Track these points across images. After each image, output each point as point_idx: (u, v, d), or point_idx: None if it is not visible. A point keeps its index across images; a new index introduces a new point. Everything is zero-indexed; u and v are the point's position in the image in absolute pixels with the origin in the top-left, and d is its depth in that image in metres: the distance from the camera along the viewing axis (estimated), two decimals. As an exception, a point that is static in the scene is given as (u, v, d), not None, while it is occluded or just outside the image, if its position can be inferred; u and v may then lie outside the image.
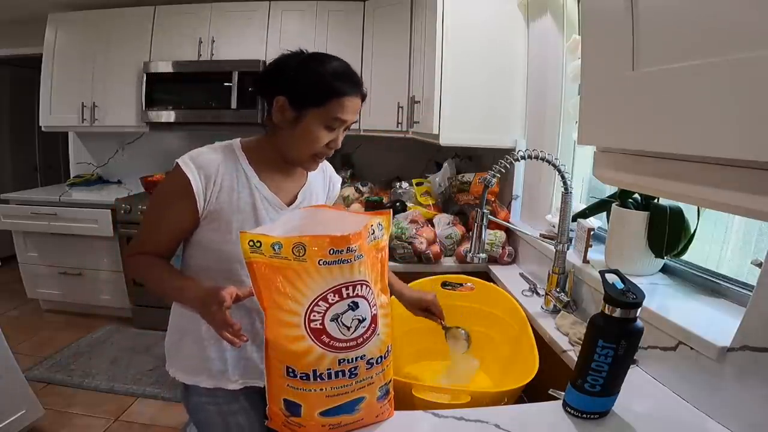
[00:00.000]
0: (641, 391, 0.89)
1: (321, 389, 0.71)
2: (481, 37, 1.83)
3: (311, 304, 0.69)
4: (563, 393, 0.84)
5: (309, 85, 0.87)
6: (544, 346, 1.12)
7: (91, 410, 2.12)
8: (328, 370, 0.70)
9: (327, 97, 0.86)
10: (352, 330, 0.71)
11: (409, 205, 2.08)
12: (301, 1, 2.95)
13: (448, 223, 1.90)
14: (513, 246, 1.78)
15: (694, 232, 1.06)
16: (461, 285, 1.31)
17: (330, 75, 0.87)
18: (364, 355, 0.72)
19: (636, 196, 1.17)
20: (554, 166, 1.22)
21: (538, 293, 1.42)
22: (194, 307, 0.83)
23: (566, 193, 1.23)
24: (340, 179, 1.18)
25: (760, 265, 0.77)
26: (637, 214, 1.12)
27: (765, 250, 0.78)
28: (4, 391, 1.75)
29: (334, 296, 0.69)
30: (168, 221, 0.92)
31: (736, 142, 0.40)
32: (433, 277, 1.31)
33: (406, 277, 1.38)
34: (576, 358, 0.84)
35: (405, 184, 2.44)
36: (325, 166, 1.12)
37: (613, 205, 1.18)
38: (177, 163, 0.90)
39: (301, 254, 0.68)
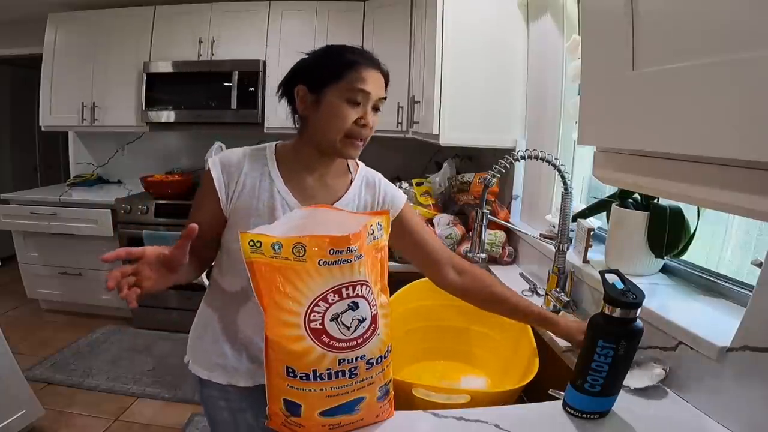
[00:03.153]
0: (641, 391, 0.89)
1: (321, 389, 0.71)
2: (481, 37, 1.83)
3: (311, 304, 0.68)
4: (563, 393, 0.84)
5: (322, 65, 0.88)
6: (544, 346, 1.12)
7: (91, 410, 2.12)
8: (328, 370, 0.70)
9: (341, 69, 0.86)
10: (352, 330, 0.71)
11: (409, 205, 2.08)
12: (301, 1, 2.95)
13: (448, 223, 1.90)
14: (513, 246, 1.77)
15: (694, 232, 1.06)
16: (461, 285, 1.31)
17: (339, 50, 0.89)
18: (364, 355, 0.72)
19: (636, 196, 1.17)
20: (554, 166, 1.22)
21: (538, 293, 1.42)
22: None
23: (566, 193, 1.23)
24: (404, 197, 1.04)
25: (760, 265, 0.77)
26: (637, 214, 1.12)
27: (765, 250, 0.78)
28: (4, 391, 1.75)
29: (334, 296, 0.69)
30: (206, 213, 0.92)
31: (737, 142, 0.40)
32: (433, 277, 1.31)
33: (407, 277, 1.38)
34: (576, 358, 0.83)
35: (405, 184, 2.44)
36: (379, 181, 1.02)
37: (613, 205, 1.18)
38: (210, 166, 0.93)
39: (301, 254, 0.68)
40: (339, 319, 0.70)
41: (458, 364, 1.29)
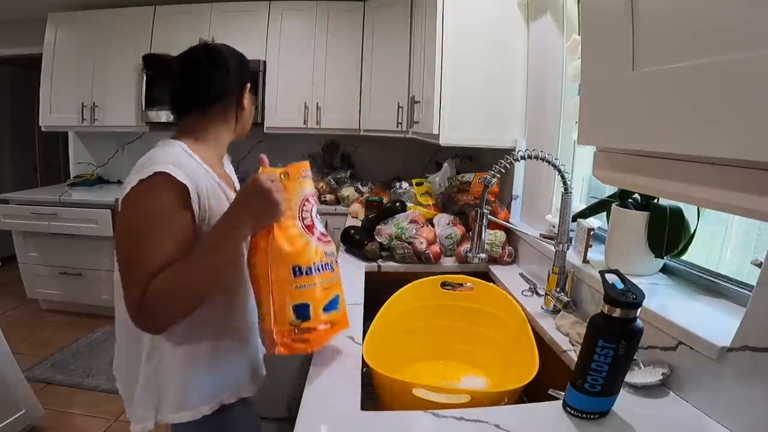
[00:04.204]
0: (641, 390, 0.89)
1: (320, 282, 0.86)
2: (481, 37, 1.83)
3: (300, 205, 0.88)
4: (563, 393, 0.84)
5: (251, 70, 1.04)
6: (544, 346, 1.12)
7: (91, 410, 2.12)
8: (320, 262, 0.87)
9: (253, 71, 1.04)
10: (323, 225, 0.92)
11: (409, 205, 2.08)
12: (302, 1, 2.95)
13: (448, 223, 1.90)
14: (513, 246, 1.77)
15: (694, 232, 1.06)
16: (461, 285, 1.31)
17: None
18: (333, 252, 0.92)
19: (636, 196, 1.17)
20: (554, 166, 1.22)
21: (538, 293, 1.42)
22: (250, 217, 0.80)
23: (566, 193, 1.23)
24: None
25: (760, 265, 0.77)
26: (637, 214, 1.12)
27: (765, 250, 0.78)
28: (4, 391, 1.75)
29: (311, 200, 0.90)
30: (176, 236, 0.79)
31: (737, 142, 0.40)
32: (433, 277, 1.31)
33: (406, 277, 1.38)
34: (576, 358, 0.83)
35: (405, 184, 2.44)
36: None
37: (613, 205, 1.18)
38: (163, 171, 0.79)
39: (288, 176, 0.88)
40: (318, 216, 0.91)
41: (458, 364, 1.29)
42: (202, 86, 0.92)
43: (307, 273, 0.85)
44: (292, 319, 0.84)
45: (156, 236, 0.77)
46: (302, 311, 0.84)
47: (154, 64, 0.93)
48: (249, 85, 1.00)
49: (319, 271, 0.86)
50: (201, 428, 0.92)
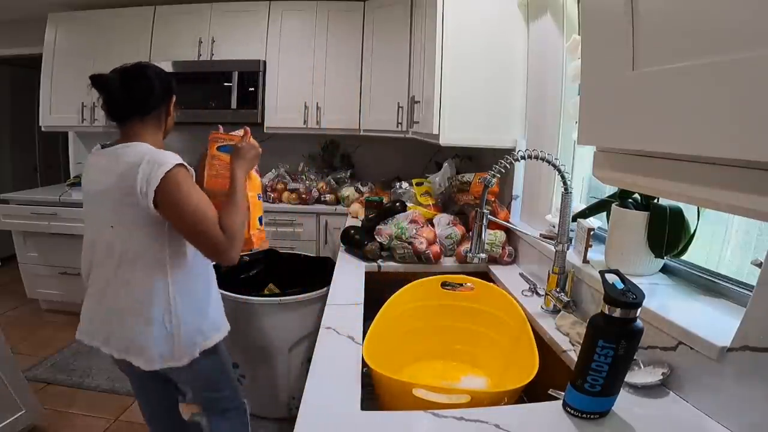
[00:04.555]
0: (641, 390, 0.89)
1: (262, 204, 1.38)
2: (481, 37, 1.83)
3: None
4: (563, 393, 0.84)
5: (173, 82, 1.27)
6: (544, 346, 1.12)
7: (91, 410, 2.12)
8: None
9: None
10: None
11: (409, 205, 2.08)
12: (302, 1, 2.95)
13: (448, 223, 1.90)
14: (513, 246, 1.77)
15: (694, 232, 1.06)
16: (461, 285, 1.31)
17: None
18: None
19: (636, 196, 1.17)
20: (554, 166, 1.22)
21: (538, 293, 1.42)
22: (248, 165, 1.26)
23: (566, 193, 1.23)
24: None
25: (760, 265, 0.77)
26: (637, 214, 1.12)
27: (765, 250, 0.78)
28: (4, 391, 1.75)
29: None
30: (207, 198, 1.15)
31: (737, 142, 0.40)
32: (433, 277, 1.31)
33: (406, 277, 1.38)
34: (576, 358, 0.84)
35: (405, 184, 2.44)
36: None
37: (613, 205, 1.18)
38: (178, 163, 1.11)
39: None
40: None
41: (458, 364, 1.29)
42: (143, 98, 1.17)
43: (261, 198, 1.37)
44: (258, 225, 1.33)
45: (200, 201, 1.11)
46: (261, 221, 1.36)
47: (98, 81, 1.17)
48: (174, 96, 1.26)
49: (263, 198, 1.32)
50: (217, 351, 1.27)
